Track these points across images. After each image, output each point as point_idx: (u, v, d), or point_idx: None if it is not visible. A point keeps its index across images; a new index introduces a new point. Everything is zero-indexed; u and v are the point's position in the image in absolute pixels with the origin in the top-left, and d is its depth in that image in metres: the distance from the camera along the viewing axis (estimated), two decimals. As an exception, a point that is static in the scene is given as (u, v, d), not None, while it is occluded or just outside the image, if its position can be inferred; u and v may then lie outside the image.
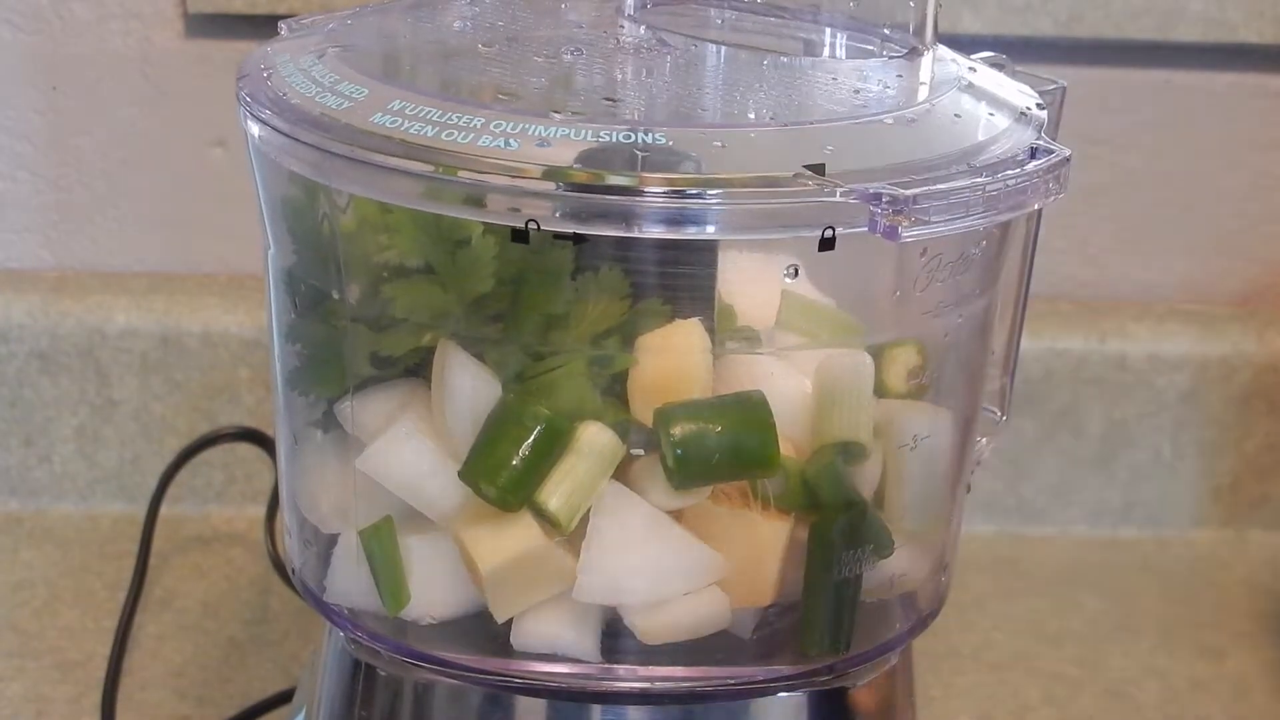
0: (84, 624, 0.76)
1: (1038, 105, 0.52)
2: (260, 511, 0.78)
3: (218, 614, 0.77)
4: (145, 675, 0.72)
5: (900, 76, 0.52)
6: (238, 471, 0.85)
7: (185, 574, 0.80)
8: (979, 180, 0.45)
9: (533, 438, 0.47)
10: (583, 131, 0.44)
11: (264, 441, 0.80)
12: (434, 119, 0.45)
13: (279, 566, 0.75)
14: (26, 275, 0.85)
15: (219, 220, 0.85)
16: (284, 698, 0.69)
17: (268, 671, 0.73)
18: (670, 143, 0.44)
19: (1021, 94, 0.53)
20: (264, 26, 0.75)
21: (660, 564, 0.48)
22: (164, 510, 0.79)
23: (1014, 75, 0.56)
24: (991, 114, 0.50)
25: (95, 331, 0.83)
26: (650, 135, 0.44)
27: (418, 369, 0.50)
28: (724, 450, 0.47)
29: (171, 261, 0.86)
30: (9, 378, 0.83)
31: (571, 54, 0.51)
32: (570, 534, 0.48)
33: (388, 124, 0.45)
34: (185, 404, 0.84)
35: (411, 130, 0.45)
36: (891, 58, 0.53)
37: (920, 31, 0.53)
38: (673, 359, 0.47)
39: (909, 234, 0.43)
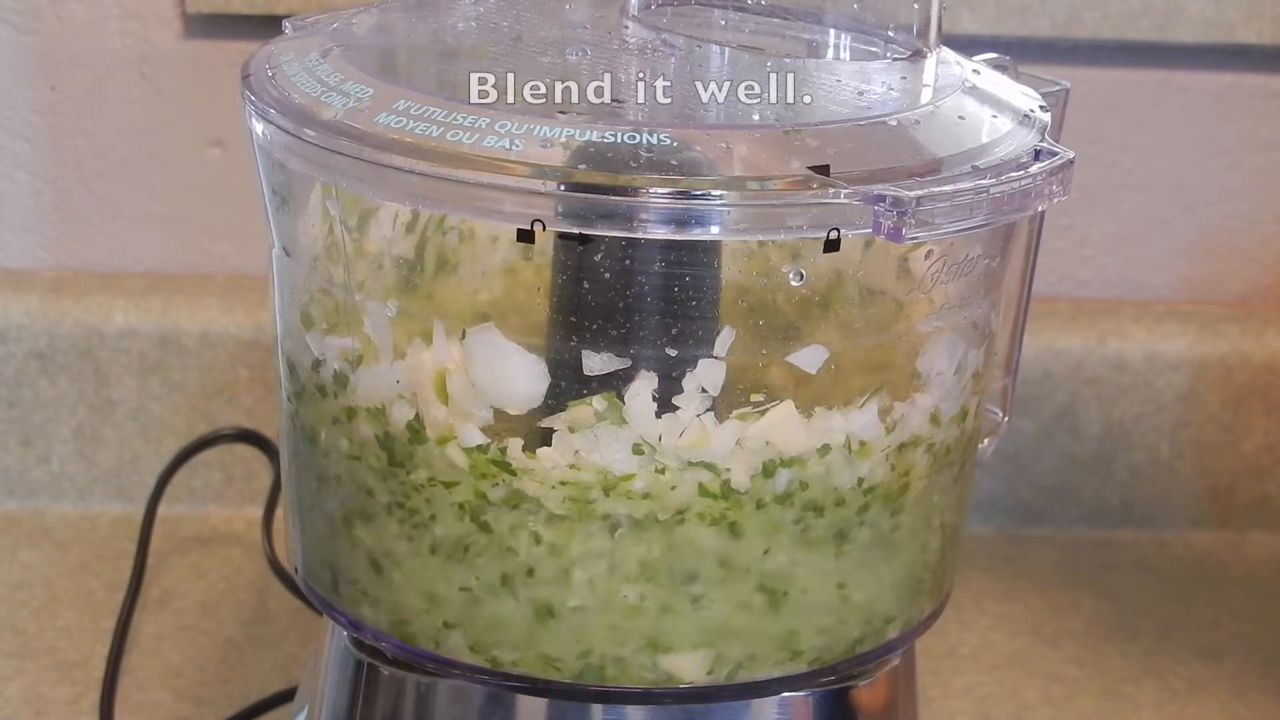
0: (82, 624, 0.76)
1: (1040, 107, 0.52)
2: (258, 512, 0.78)
3: (216, 614, 0.77)
4: (143, 675, 0.72)
5: (904, 78, 0.52)
6: (236, 472, 0.85)
7: (184, 574, 0.80)
8: (983, 182, 0.45)
9: None
10: (588, 132, 0.44)
11: (262, 442, 0.80)
12: (439, 119, 0.45)
13: (277, 567, 0.75)
14: (25, 275, 0.85)
15: (217, 220, 0.85)
16: (282, 698, 0.69)
17: (266, 672, 0.73)
18: (675, 143, 0.44)
19: (1024, 96, 0.53)
20: (263, 26, 0.75)
21: None
22: (162, 510, 0.79)
23: (1017, 77, 0.56)
24: (995, 116, 0.50)
25: (94, 332, 0.83)
26: (655, 136, 0.44)
27: None
28: None
29: (170, 262, 0.86)
30: (7, 378, 0.83)
31: (576, 55, 0.51)
32: None
33: (393, 124, 0.45)
34: (184, 404, 0.84)
35: (416, 130, 0.45)
36: (895, 60, 0.53)
37: (924, 34, 0.53)
38: None
39: (913, 236, 0.43)
